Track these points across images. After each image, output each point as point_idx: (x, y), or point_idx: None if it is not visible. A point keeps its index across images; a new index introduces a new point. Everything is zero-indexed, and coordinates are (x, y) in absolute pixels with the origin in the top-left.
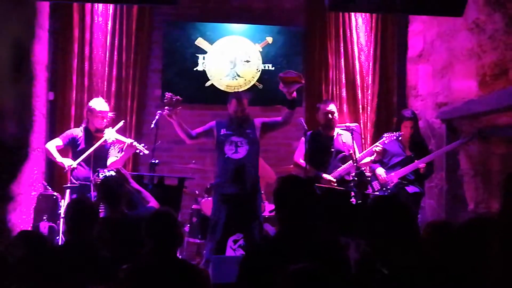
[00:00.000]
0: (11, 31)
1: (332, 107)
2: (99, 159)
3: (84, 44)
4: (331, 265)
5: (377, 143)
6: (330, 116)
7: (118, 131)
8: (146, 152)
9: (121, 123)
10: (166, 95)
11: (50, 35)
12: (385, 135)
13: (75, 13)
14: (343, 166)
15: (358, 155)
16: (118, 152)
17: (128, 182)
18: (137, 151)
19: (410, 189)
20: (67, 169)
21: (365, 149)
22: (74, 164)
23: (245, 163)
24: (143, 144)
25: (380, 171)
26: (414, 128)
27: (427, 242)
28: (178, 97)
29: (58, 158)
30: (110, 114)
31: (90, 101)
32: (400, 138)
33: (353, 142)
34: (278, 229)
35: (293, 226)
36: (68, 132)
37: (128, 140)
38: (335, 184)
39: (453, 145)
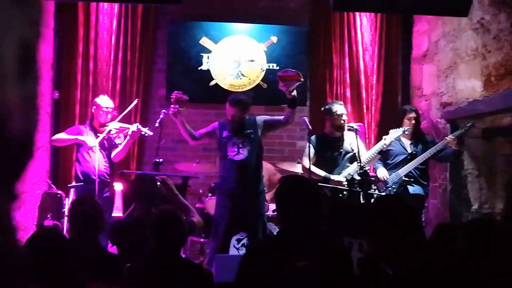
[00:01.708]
0: (17, 30)
1: (344, 109)
2: (105, 151)
3: (89, 43)
4: (333, 264)
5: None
6: (344, 118)
7: (120, 121)
8: (151, 133)
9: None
10: (173, 95)
11: (55, 34)
12: (391, 131)
13: (80, 12)
14: (351, 166)
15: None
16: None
17: (173, 193)
18: (142, 133)
19: (412, 189)
20: (90, 147)
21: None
22: (95, 143)
23: (248, 164)
24: (147, 128)
25: (381, 172)
26: (417, 121)
27: (432, 243)
28: (185, 96)
29: (79, 137)
30: (114, 113)
31: (96, 98)
32: (406, 132)
33: (357, 142)
34: (279, 228)
35: (294, 225)
36: (74, 127)
37: (133, 126)
38: (345, 185)
39: (454, 135)
